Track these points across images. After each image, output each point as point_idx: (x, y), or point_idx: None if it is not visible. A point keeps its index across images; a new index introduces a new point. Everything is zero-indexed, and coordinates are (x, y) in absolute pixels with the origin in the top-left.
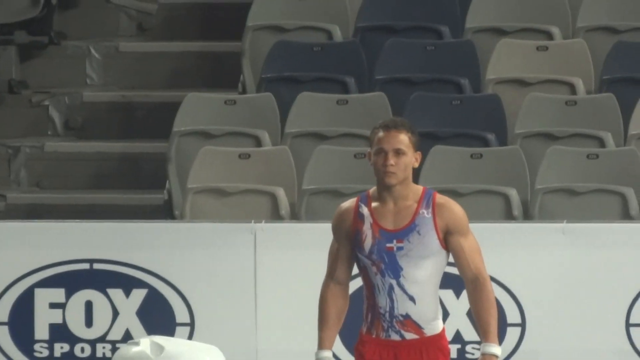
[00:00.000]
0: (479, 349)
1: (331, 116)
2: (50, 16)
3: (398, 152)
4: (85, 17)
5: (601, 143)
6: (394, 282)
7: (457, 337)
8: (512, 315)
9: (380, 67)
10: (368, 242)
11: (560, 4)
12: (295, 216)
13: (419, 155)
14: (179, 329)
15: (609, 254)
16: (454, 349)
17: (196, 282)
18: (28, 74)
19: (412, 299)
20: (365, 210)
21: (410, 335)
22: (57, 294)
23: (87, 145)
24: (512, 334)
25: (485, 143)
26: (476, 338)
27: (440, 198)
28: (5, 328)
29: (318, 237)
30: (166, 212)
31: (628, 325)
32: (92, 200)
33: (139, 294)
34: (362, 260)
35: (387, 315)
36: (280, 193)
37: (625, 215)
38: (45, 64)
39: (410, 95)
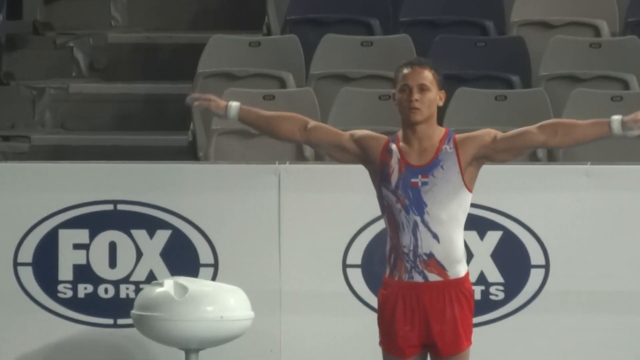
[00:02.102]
0: (502, 290)
1: (356, 58)
2: None
3: (422, 88)
4: None
5: (625, 85)
6: (418, 219)
7: (481, 279)
8: (536, 257)
9: (405, 9)
10: (395, 176)
11: None
12: (319, 157)
13: (443, 94)
14: (202, 270)
15: (634, 195)
16: (477, 291)
17: (220, 224)
18: (52, 15)
19: (435, 237)
20: (394, 146)
21: (433, 277)
22: (81, 235)
23: (111, 86)
24: (536, 275)
25: (510, 85)
26: (500, 279)
27: (459, 135)
28: (29, 269)
29: (342, 178)
30: (190, 153)
31: None
32: (116, 141)
33: (162, 235)
34: (387, 197)
35: (410, 254)
36: None
37: None
38: (69, 5)
39: (434, 37)
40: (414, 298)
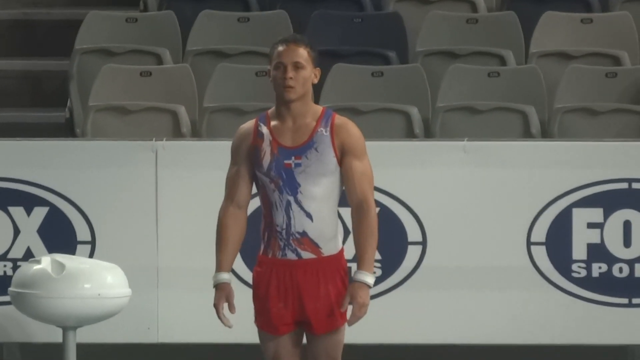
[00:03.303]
0: (380, 267)
1: (232, 34)
2: None
3: (297, 66)
4: None
5: (502, 61)
6: (291, 198)
7: None
8: (413, 234)
9: None
10: (267, 159)
11: None
12: (196, 134)
13: (318, 71)
14: (80, 247)
15: (510, 172)
16: (354, 267)
17: (97, 200)
18: None
19: (309, 215)
20: (264, 129)
21: (307, 255)
22: None
23: None
24: (413, 251)
25: (387, 61)
26: (377, 256)
27: (339, 119)
28: None
29: (219, 154)
30: (68, 130)
31: (529, 243)
32: None
33: (40, 212)
34: (261, 179)
35: (283, 232)
36: (182, 111)
37: (526, 133)
38: None
39: (311, 13)
40: (288, 276)
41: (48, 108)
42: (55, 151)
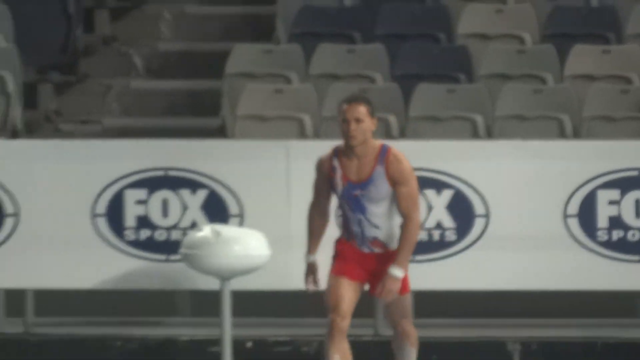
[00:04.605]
0: (455, 233)
1: (343, 61)
2: None
3: (358, 121)
4: None
5: (544, 82)
6: (361, 216)
7: (439, 225)
8: (479, 209)
9: (379, 25)
10: (339, 188)
11: None
12: (317, 136)
13: (375, 120)
14: (231, 219)
15: (551, 163)
16: (436, 234)
17: (245, 185)
18: (117, 30)
19: (376, 226)
20: (336, 163)
21: (378, 250)
22: (141, 194)
23: (162, 83)
24: (479, 223)
25: (457, 81)
26: (453, 225)
27: (391, 155)
28: (104, 219)
29: None
30: (221, 133)
31: (565, 215)
32: (166, 124)
33: (202, 193)
34: (338, 199)
35: (358, 237)
36: (306, 119)
37: (562, 135)
38: (130, 22)
39: (401, 45)
40: (363, 260)
41: (206, 117)
42: (213, 148)
